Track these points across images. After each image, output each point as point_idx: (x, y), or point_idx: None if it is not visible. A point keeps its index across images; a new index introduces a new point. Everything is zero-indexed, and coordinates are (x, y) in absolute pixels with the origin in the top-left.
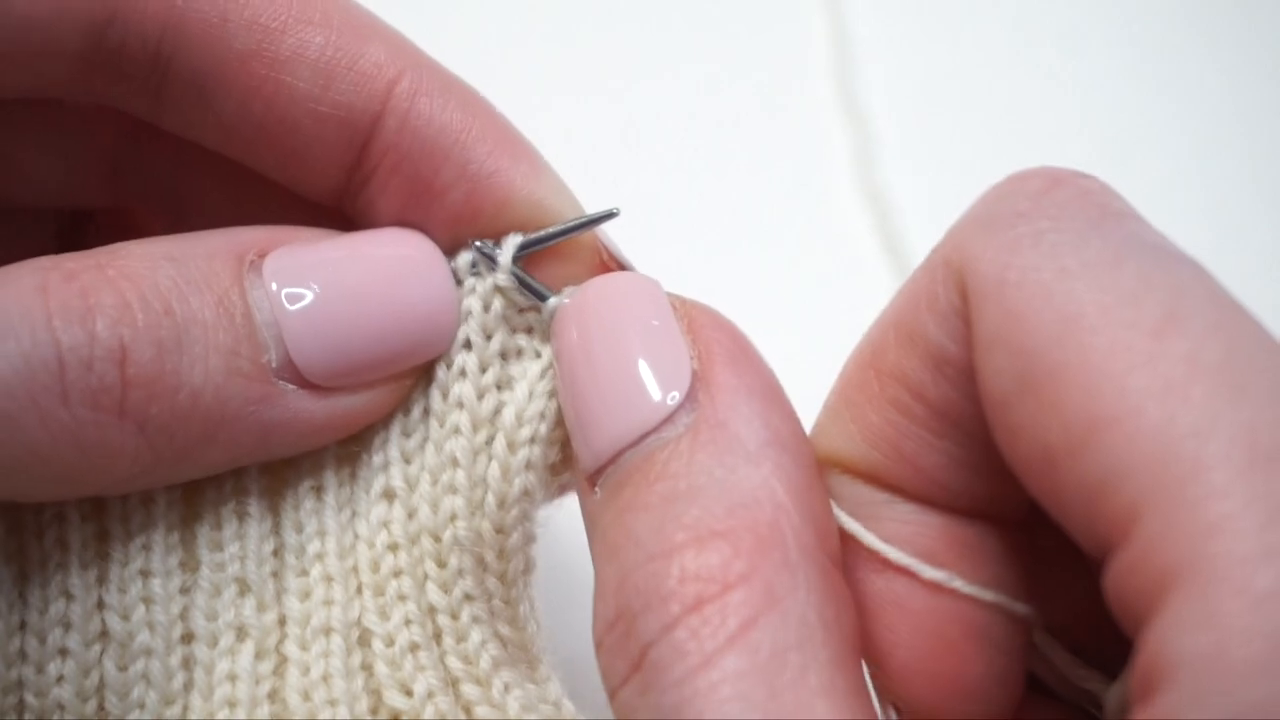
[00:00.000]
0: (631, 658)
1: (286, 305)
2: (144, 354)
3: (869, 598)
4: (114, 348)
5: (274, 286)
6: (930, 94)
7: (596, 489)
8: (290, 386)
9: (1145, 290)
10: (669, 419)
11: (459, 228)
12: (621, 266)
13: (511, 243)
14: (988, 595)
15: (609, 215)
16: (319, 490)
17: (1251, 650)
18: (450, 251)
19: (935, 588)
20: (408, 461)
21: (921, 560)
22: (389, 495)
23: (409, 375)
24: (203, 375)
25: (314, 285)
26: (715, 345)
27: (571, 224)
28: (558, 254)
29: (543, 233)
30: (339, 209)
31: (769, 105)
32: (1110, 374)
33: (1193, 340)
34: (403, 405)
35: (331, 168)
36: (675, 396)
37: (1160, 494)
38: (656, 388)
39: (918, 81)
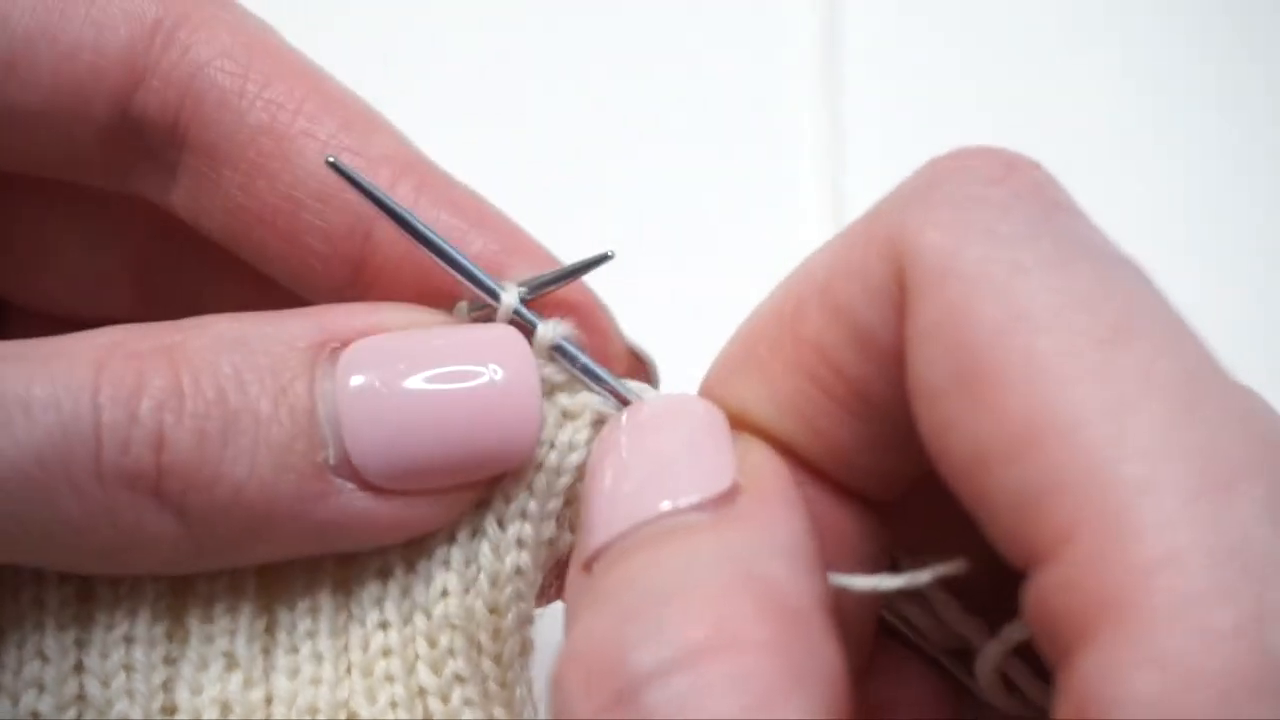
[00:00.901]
0: (617, 692)
1: (351, 400)
2: (183, 442)
3: None
4: (153, 431)
5: (344, 379)
6: (910, 99)
7: (595, 566)
8: (349, 485)
9: (1098, 295)
10: (696, 507)
11: None
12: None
13: (511, 297)
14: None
15: (605, 258)
16: (314, 566)
17: (1205, 695)
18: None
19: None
20: (407, 542)
21: None
22: (384, 573)
23: (480, 485)
24: (248, 470)
25: (386, 382)
26: (764, 464)
27: (569, 269)
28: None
29: (541, 277)
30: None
31: (748, 100)
32: (1056, 381)
33: (1144, 354)
34: None
35: (335, 259)
36: (718, 488)
37: (1101, 516)
38: (690, 481)
39: (899, 85)
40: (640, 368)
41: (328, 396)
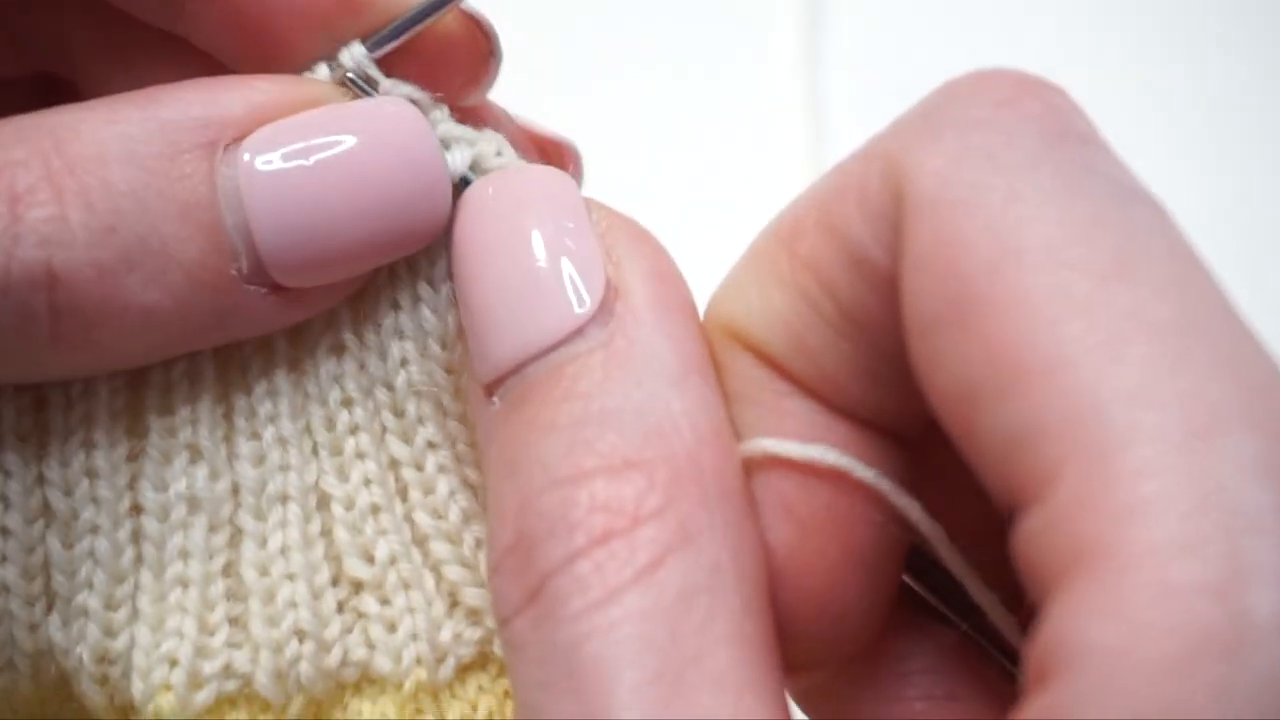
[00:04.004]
0: (528, 587)
1: (258, 201)
2: (80, 277)
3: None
4: (39, 273)
5: (248, 181)
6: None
7: (495, 399)
8: (261, 291)
9: (1097, 230)
10: (579, 331)
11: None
12: (554, 145)
13: (354, 52)
14: (885, 486)
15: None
16: (266, 349)
17: (1161, 649)
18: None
19: (832, 491)
20: (354, 311)
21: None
22: (337, 349)
23: None
24: (158, 294)
25: (293, 179)
26: (636, 257)
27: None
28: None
29: (390, 27)
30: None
31: (734, 91)
32: (1047, 318)
33: (1140, 293)
34: None
35: None
36: (588, 306)
37: (1082, 460)
38: (568, 295)
39: (884, 80)
40: (561, 156)
41: (233, 202)
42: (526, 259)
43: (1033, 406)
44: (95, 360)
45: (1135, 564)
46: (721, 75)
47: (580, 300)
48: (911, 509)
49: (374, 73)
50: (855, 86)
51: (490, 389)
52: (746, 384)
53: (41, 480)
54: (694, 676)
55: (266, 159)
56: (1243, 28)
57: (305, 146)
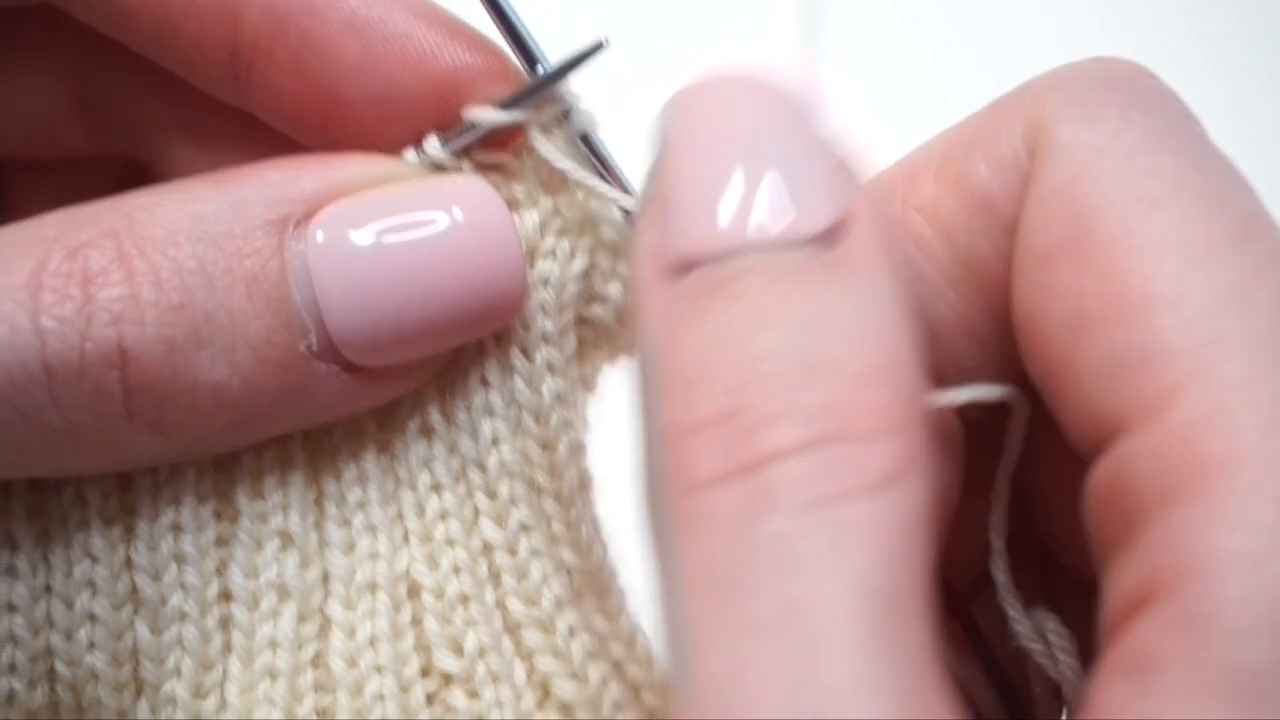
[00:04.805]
0: (741, 461)
1: (328, 278)
2: (149, 355)
3: None
4: (111, 351)
5: (317, 257)
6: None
7: (690, 277)
8: (334, 369)
9: (1222, 196)
10: (812, 240)
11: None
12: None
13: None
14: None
15: (597, 49)
16: (357, 432)
17: None
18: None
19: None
20: (441, 392)
21: None
22: (426, 432)
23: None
24: (227, 371)
25: (363, 256)
26: (866, 194)
27: (544, 78)
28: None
29: (472, 133)
30: (239, 104)
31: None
32: (1171, 256)
33: (1262, 252)
34: None
35: (213, 46)
36: (827, 219)
37: (1211, 381)
38: (804, 202)
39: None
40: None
41: (302, 279)
42: (768, 153)
43: (1154, 330)
44: (171, 442)
45: (1273, 475)
46: None
47: (817, 212)
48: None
49: (450, 160)
50: (855, 85)
51: (682, 267)
52: None
53: (129, 564)
54: (907, 602)
55: (336, 235)
56: (1244, 27)
57: (376, 223)
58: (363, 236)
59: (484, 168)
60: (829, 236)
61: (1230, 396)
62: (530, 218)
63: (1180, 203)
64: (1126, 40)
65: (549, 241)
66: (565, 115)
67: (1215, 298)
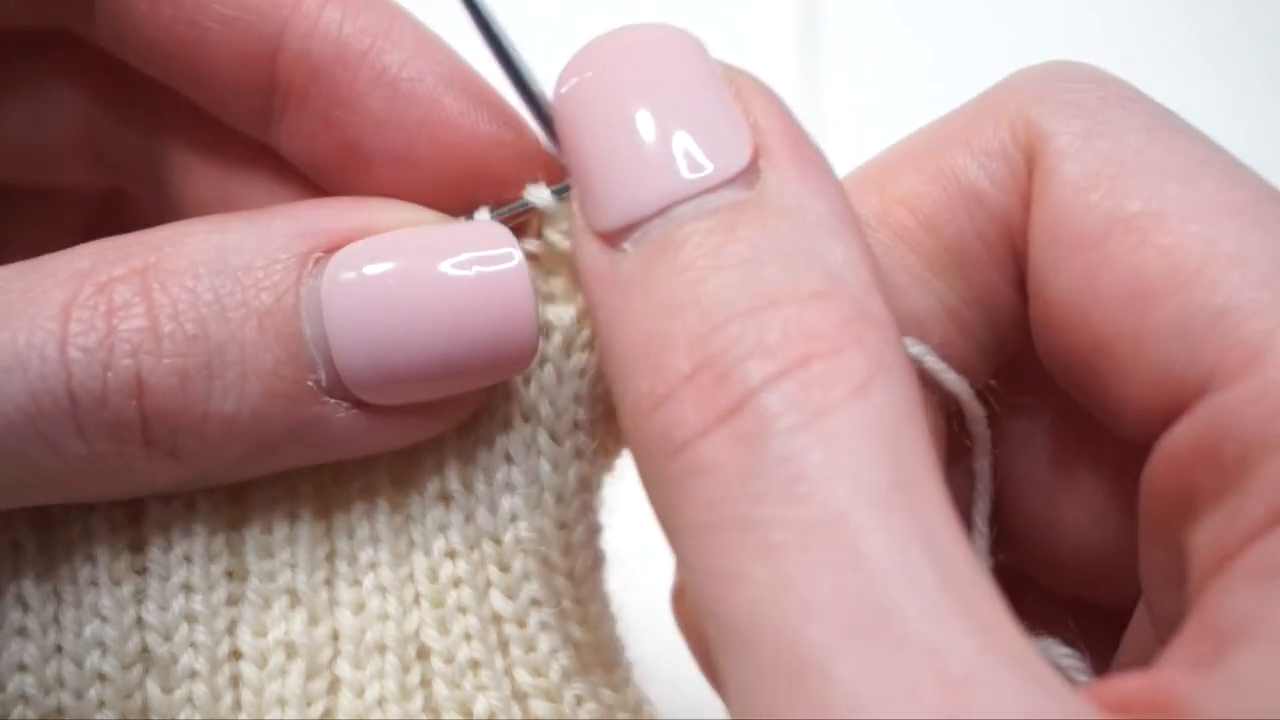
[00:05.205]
0: (722, 407)
1: (338, 317)
2: (164, 385)
3: None
4: (129, 380)
5: (330, 293)
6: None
7: (626, 245)
8: (342, 405)
9: (1239, 168)
10: (731, 181)
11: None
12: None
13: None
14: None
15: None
16: (371, 492)
17: None
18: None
19: None
20: (463, 461)
21: None
22: (444, 498)
23: (477, 395)
24: (236, 402)
25: (374, 293)
26: (771, 116)
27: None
28: None
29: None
30: (268, 144)
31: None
32: (1222, 220)
33: None
34: None
35: (246, 85)
36: (743, 158)
37: None
38: (715, 146)
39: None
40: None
41: (314, 314)
42: (663, 114)
43: (1232, 288)
44: (188, 470)
45: None
46: None
47: (727, 154)
48: (962, 389)
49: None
50: (854, 86)
51: (614, 237)
52: None
53: (140, 624)
54: (919, 492)
55: (350, 272)
56: (1243, 27)
57: (391, 263)
58: (376, 274)
59: (528, 257)
60: (746, 175)
61: None
62: (568, 311)
63: (1212, 175)
64: (1126, 40)
65: (586, 334)
66: None
67: (1268, 258)
